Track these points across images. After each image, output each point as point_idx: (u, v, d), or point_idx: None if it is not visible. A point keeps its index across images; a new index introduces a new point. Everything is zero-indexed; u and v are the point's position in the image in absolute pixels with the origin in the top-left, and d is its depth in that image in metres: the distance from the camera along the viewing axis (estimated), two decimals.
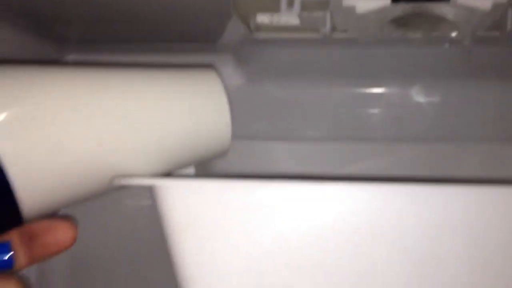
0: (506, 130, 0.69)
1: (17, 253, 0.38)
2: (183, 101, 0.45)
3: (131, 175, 0.41)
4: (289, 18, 0.64)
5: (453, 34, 0.61)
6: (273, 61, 0.73)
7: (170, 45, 0.71)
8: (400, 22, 0.62)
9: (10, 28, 0.60)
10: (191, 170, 0.61)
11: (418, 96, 0.71)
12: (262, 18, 0.65)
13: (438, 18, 0.58)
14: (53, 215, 0.41)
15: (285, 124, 0.72)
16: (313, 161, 0.72)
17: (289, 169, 0.70)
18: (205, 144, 0.46)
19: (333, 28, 0.64)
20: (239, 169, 0.68)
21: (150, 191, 0.40)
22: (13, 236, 0.39)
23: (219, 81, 0.48)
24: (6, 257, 0.38)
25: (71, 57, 0.73)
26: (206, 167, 0.67)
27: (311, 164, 0.72)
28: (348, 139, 0.71)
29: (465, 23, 0.57)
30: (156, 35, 0.67)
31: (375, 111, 0.71)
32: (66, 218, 0.41)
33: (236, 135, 0.50)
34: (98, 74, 0.42)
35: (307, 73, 0.72)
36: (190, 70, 0.48)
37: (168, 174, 0.47)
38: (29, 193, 0.37)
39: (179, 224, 0.39)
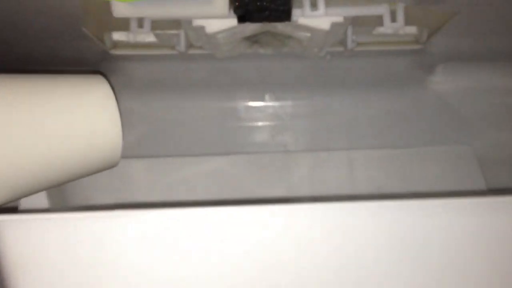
0: (357, 138, 0.75)
1: None
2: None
3: None
4: (146, 35, 0.65)
5: (301, 50, 0.65)
6: (134, 77, 0.72)
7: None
8: (253, 39, 0.65)
9: None
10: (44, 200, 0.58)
11: (272, 105, 0.75)
12: (119, 36, 0.65)
13: (285, 36, 0.62)
14: None
15: (147, 141, 0.72)
16: (169, 178, 0.72)
17: (148, 188, 0.70)
18: (84, 157, 0.44)
19: (190, 45, 0.66)
20: (100, 192, 0.67)
21: None
22: None
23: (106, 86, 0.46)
24: None
25: None
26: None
27: (165, 181, 0.72)
28: (210, 154, 0.73)
29: (310, 41, 0.60)
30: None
31: (235, 123, 0.74)
32: None
33: None
34: None
35: (168, 87, 0.73)
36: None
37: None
38: None
39: (20, 260, 0.38)
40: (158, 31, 0.62)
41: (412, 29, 0.64)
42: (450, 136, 0.77)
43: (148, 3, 0.47)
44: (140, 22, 0.55)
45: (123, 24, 0.57)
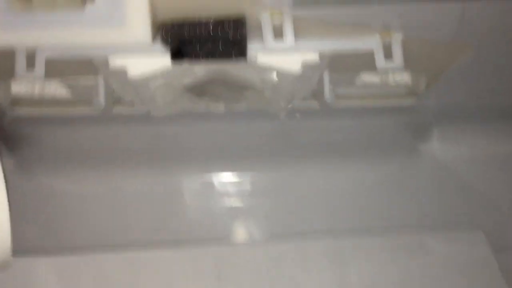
0: (337, 220, 0.59)
1: None
2: None
3: None
4: (56, 87, 0.49)
5: (263, 105, 0.49)
6: (42, 145, 0.56)
7: None
8: (199, 91, 0.49)
9: None
10: None
11: (227, 180, 0.60)
12: (19, 88, 0.49)
13: (242, 86, 0.46)
14: None
15: (59, 230, 0.54)
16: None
17: None
18: None
19: (116, 101, 0.50)
20: None
21: None
22: None
23: None
24: None
25: None
26: None
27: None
28: (141, 245, 0.55)
29: (274, 91, 0.45)
30: None
31: (177, 206, 0.57)
32: None
33: None
34: None
35: (90, 159, 0.57)
36: None
37: None
38: None
39: None
40: (69, 81, 0.46)
41: (405, 77, 0.50)
42: (453, 214, 0.62)
43: (26, 24, 0.31)
44: (31, 59, 0.38)
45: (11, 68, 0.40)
